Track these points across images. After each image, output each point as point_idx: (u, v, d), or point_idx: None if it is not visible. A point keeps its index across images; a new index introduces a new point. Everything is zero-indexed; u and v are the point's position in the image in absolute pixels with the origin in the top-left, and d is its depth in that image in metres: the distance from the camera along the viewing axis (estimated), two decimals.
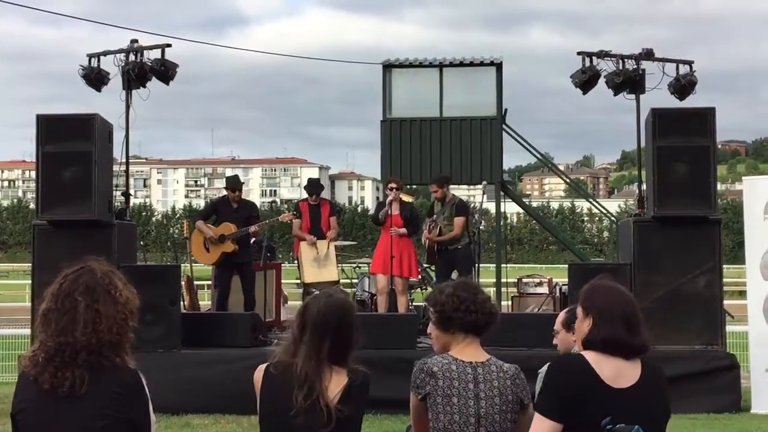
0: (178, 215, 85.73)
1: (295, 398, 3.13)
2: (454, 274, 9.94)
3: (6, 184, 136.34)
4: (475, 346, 3.42)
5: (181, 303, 9.90)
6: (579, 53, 10.67)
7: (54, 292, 2.81)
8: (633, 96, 10.33)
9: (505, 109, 15.75)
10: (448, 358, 3.38)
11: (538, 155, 18.72)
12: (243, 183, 11.31)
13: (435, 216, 10.60)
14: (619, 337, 3.17)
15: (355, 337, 3.33)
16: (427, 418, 3.35)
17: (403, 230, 10.35)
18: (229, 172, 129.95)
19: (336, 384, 3.19)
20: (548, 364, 3.36)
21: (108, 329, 2.76)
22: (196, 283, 12.06)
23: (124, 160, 10.45)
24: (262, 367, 3.31)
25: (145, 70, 10.24)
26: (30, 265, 9.59)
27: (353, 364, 3.28)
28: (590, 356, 3.19)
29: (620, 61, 10.33)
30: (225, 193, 11.02)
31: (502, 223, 17.59)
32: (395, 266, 10.21)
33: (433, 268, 12.43)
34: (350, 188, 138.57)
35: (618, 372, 3.16)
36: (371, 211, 11.20)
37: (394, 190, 10.43)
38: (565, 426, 3.12)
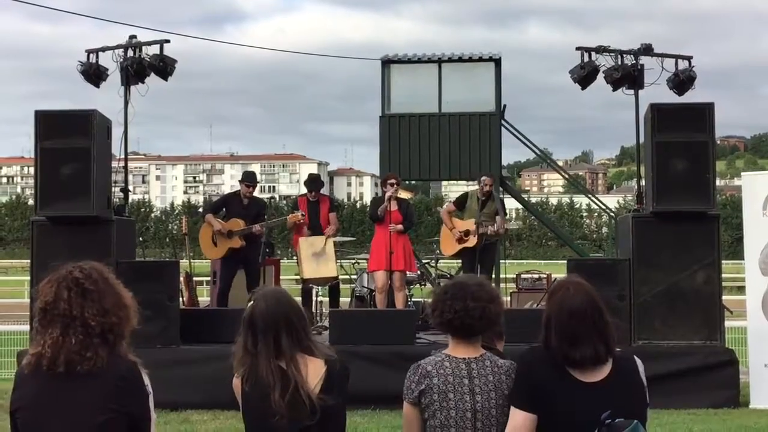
0: (176, 211, 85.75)
1: (272, 400, 3.09)
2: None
3: (4, 180, 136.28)
4: (468, 343, 3.37)
5: (180, 299, 9.91)
6: (577, 48, 10.66)
7: (60, 279, 2.82)
8: (632, 91, 10.31)
9: (504, 105, 15.75)
10: (441, 356, 3.37)
11: (537, 151, 18.71)
12: (259, 181, 11.36)
13: (501, 219, 10.65)
14: (561, 350, 3.16)
15: (307, 321, 3.33)
16: (419, 424, 3.33)
17: (400, 227, 10.36)
18: (227, 168, 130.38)
19: (314, 373, 3.16)
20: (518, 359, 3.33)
21: (116, 318, 2.81)
22: (194, 279, 12.07)
23: (122, 156, 10.45)
24: (237, 379, 3.27)
25: (143, 66, 10.23)
26: (28, 261, 9.57)
27: (328, 353, 3.26)
28: None
29: (619, 56, 10.30)
30: (237, 188, 11.08)
31: None
32: (394, 261, 10.21)
33: (432, 263, 12.44)
34: (349, 184, 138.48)
35: (586, 367, 3.15)
36: (369, 208, 11.17)
37: (392, 186, 10.44)
38: (539, 419, 3.13)
